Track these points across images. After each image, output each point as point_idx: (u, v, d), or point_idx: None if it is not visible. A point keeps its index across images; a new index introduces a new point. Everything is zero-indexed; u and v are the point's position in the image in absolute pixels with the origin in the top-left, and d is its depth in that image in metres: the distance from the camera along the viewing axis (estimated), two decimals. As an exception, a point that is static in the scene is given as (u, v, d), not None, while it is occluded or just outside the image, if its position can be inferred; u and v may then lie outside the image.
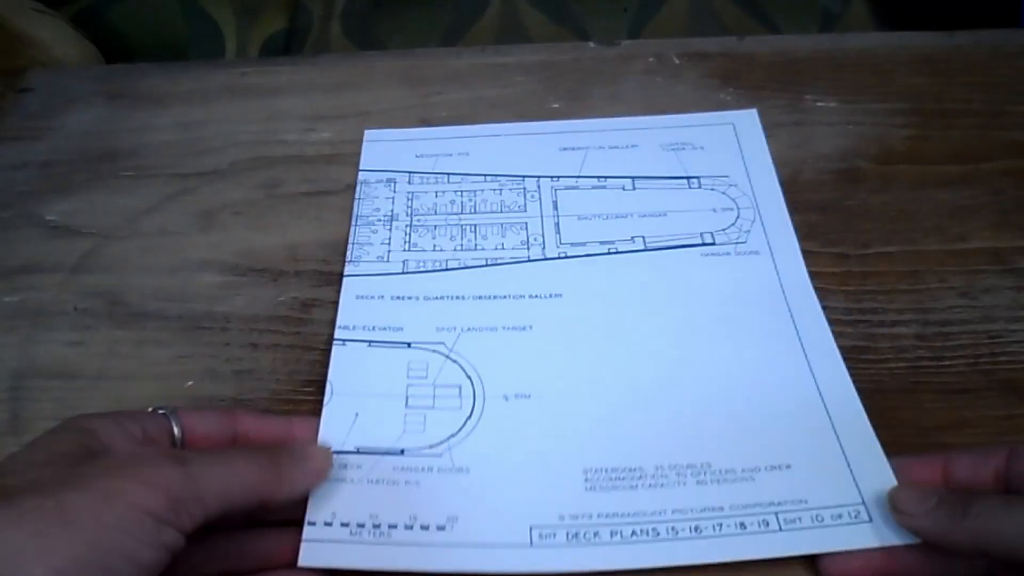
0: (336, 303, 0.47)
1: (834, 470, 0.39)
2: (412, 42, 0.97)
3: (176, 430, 0.36)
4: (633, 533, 0.37)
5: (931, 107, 0.57)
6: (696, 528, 0.37)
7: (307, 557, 0.36)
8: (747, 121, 0.56)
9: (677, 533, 0.37)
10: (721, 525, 0.38)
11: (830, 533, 0.37)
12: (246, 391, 0.44)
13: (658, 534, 0.37)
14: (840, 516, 0.38)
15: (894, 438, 0.41)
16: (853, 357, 0.44)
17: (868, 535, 0.37)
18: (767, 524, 0.38)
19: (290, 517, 0.37)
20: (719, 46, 0.62)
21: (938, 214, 0.51)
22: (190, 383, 0.45)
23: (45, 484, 0.29)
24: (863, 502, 0.38)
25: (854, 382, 0.43)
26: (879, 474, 0.39)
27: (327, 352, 0.45)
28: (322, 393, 0.43)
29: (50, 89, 0.62)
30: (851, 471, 0.39)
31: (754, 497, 0.39)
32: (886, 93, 0.58)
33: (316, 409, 0.43)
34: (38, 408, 0.44)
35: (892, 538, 0.36)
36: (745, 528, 0.37)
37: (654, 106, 0.58)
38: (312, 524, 0.37)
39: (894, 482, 0.38)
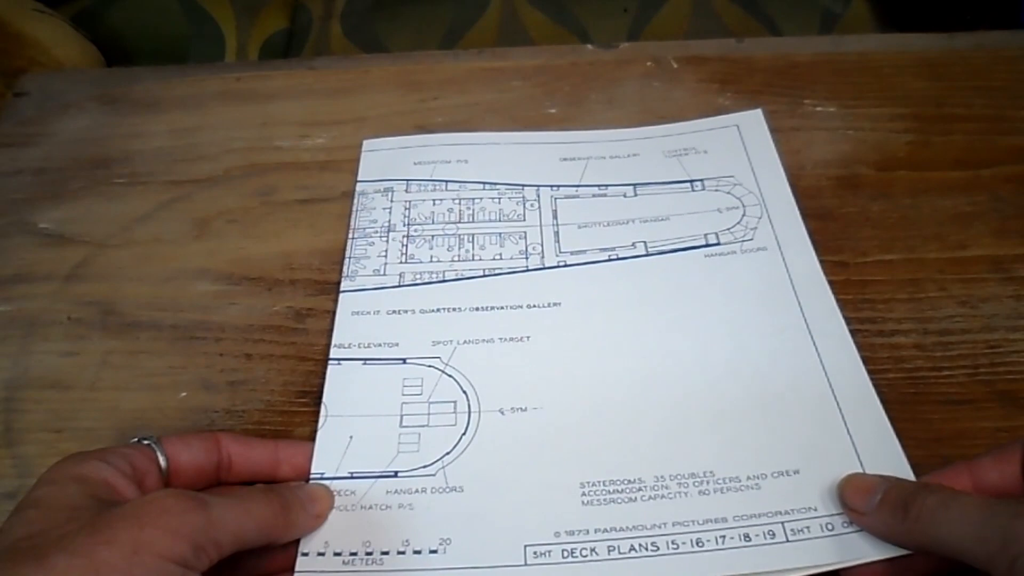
0: (331, 312, 0.47)
1: (846, 472, 0.38)
2: (412, 42, 0.96)
3: (162, 461, 0.36)
4: (631, 548, 0.36)
5: (931, 112, 0.56)
6: (698, 541, 0.36)
7: None
8: (752, 121, 0.55)
9: (678, 547, 0.36)
10: (724, 537, 0.36)
11: (842, 543, 0.36)
12: (240, 402, 0.44)
13: (657, 548, 0.36)
14: (850, 523, 0.36)
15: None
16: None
17: (884, 544, 0.35)
18: (773, 535, 0.36)
19: None
20: (717, 49, 0.62)
21: (938, 221, 0.50)
22: (183, 394, 0.44)
23: (73, 541, 0.29)
24: None
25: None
26: (898, 475, 0.37)
27: (322, 363, 0.45)
28: (316, 404, 0.43)
29: (45, 94, 0.62)
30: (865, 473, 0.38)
31: (759, 507, 0.37)
32: (886, 98, 0.57)
33: (310, 420, 0.43)
34: (31, 419, 0.44)
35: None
36: (750, 540, 0.36)
37: (651, 111, 0.57)
38: (305, 555, 0.37)
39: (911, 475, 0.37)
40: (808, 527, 0.36)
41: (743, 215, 0.50)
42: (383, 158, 0.55)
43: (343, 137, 0.57)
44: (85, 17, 0.98)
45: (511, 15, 0.97)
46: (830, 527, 0.36)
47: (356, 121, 0.58)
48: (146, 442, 0.37)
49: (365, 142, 0.56)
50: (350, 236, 0.51)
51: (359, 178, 0.54)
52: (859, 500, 0.35)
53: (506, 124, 0.57)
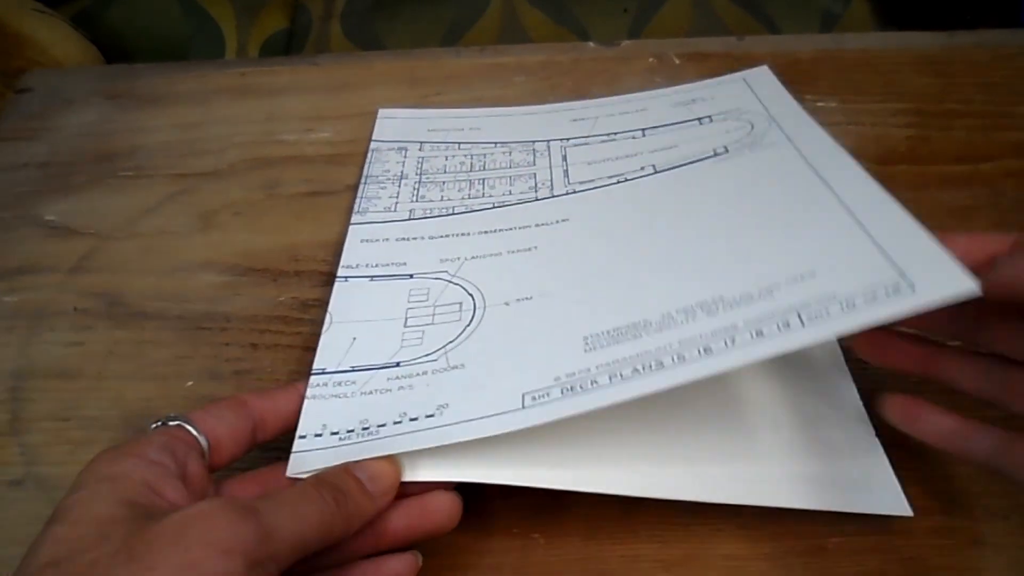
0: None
1: (865, 259, 0.35)
2: (412, 42, 0.97)
3: (202, 441, 0.33)
4: (635, 371, 0.34)
5: (932, 108, 0.57)
6: (706, 349, 0.33)
7: (294, 467, 0.35)
8: (759, 74, 0.56)
9: (684, 359, 0.33)
10: (734, 340, 0.33)
11: (863, 312, 0.32)
12: (246, 391, 0.44)
13: (663, 365, 0.33)
14: (875, 296, 0.32)
15: (896, 439, 0.40)
16: (855, 359, 0.44)
17: (911, 302, 0.32)
18: (788, 325, 0.33)
19: None
20: (719, 46, 0.62)
21: (938, 215, 0.50)
22: (190, 383, 0.45)
23: (108, 568, 0.26)
24: (902, 275, 0.33)
25: (856, 384, 0.41)
26: (921, 245, 0.34)
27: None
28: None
29: (49, 89, 0.62)
30: (883, 252, 0.35)
31: (773, 308, 0.34)
32: (887, 93, 0.58)
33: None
34: (38, 408, 0.44)
35: (940, 297, 0.31)
36: (762, 335, 0.33)
37: (654, 106, 0.58)
38: (302, 438, 0.36)
39: (940, 250, 0.33)
40: (828, 310, 0.33)
41: (752, 129, 0.50)
42: (398, 124, 0.57)
43: (347, 131, 0.57)
44: (85, 17, 0.98)
45: (511, 15, 0.98)
46: (851, 304, 0.33)
47: (360, 116, 0.58)
48: (175, 423, 0.33)
49: (380, 110, 0.58)
50: (362, 182, 0.52)
51: (374, 137, 0.56)
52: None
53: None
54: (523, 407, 0.34)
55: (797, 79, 0.59)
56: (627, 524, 0.38)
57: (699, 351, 0.33)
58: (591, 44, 0.64)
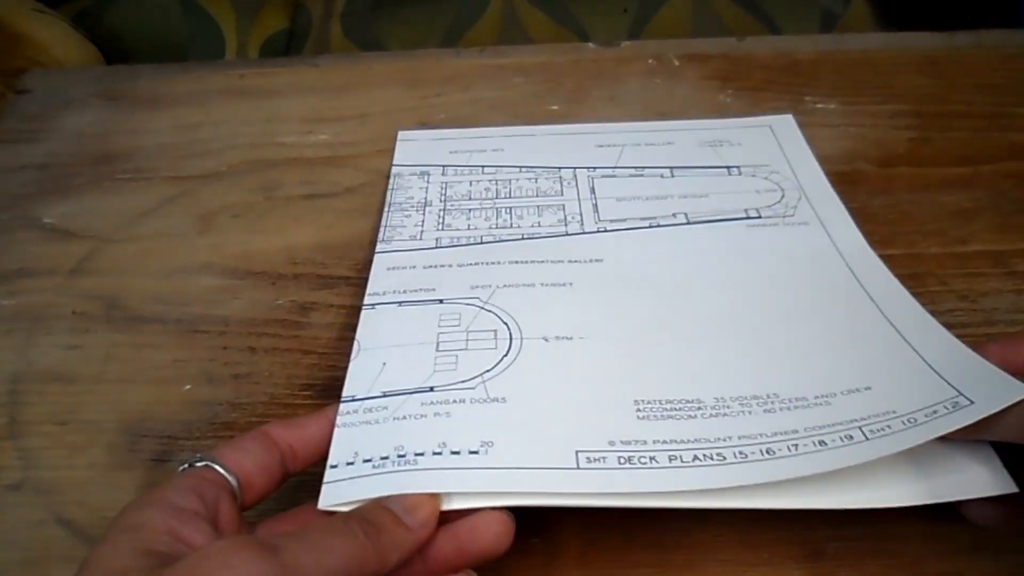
0: (334, 306, 0.47)
1: (920, 379, 0.36)
2: (412, 42, 0.97)
3: (232, 480, 0.32)
4: (695, 458, 0.33)
5: (932, 109, 0.57)
6: (768, 451, 0.33)
7: (327, 498, 0.33)
8: (784, 124, 0.56)
9: (747, 456, 0.33)
10: (796, 445, 0.33)
11: (927, 428, 0.33)
12: (244, 395, 0.44)
13: (724, 458, 0.33)
14: (935, 412, 0.33)
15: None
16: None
17: (973, 414, 0.33)
18: (851, 438, 0.33)
19: None
20: (719, 47, 0.62)
21: (939, 217, 0.50)
22: (188, 387, 0.44)
23: None
24: (959, 393, 0.34)
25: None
26: (969, 363, 0.36)
27: (325, 356, 0.45)
28: (320, 397, 0.43)
29: (48, 91, 0.62)
30: (938, 374, 0.36)
31: (833, 418, 0.34)
32: (887, 95, 0.58)
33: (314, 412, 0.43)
34: (36, 412, 0.44)
35: (1000, 406, 0.32)
36: (825, 445, 0.33)
37: (654, 108, 0.58)
38: (334, 467, 0.34)
39: (987, 364, 0.35)
40: (889, 425, 0.34)
41: (782, 196, 0.50)
42: (418, 147, 0.56)
43: (346, 133, 0.57)
44: (85, 17, 0.98)
45: (511, 15, 0.97)
46: (912, 420, 0.33)
47: (360, 117, 0.58)
48: (201, 464, 0.32)
49: (400, 132, 0.57)
50: (385, 209, 0.51)
51: (395, 162, 0.55)
52: None
53: (509, 120, 0.58)
54: (578, 467, 0.33)
55: (797, 79, 0.59)
56: (626, 530, 0.37)
57: (761, 452, 0.33)
58: (591, 45, 0.64)
